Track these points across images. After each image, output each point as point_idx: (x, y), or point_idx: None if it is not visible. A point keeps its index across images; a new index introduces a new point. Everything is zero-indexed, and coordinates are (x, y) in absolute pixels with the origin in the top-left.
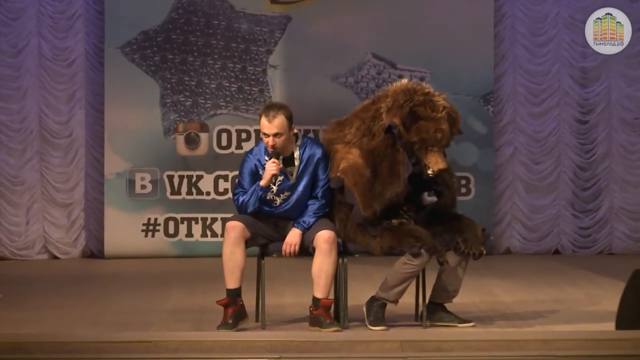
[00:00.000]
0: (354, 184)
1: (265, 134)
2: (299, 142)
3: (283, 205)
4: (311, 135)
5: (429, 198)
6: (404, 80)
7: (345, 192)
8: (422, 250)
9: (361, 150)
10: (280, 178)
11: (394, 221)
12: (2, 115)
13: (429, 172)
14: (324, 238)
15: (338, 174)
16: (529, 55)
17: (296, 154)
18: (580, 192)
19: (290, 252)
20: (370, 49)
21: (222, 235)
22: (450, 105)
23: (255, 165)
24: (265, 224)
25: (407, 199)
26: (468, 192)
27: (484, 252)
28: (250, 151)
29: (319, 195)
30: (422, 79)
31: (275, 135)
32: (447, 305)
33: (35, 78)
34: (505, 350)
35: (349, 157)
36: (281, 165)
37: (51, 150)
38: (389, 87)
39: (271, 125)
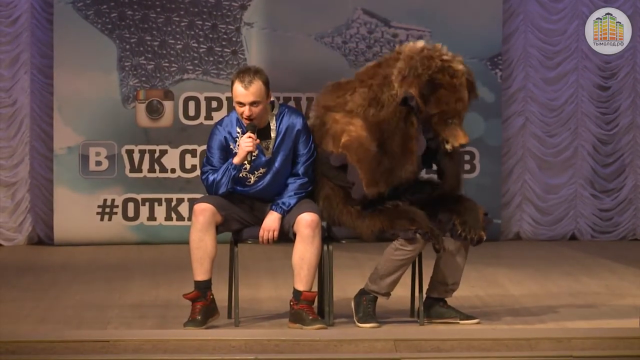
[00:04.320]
0: (358, 160)
1: (239, 102)
2: (275, 112)
3: (258, 183)
4: (292, 104)
5: (426, 175)
6: (419, 43)
7: (348, 171)
8: (417, 235)
9: (366, 121)
10: (255, 153)
11: (389, 203)
12: None
13: (448, 147)
14: (306, 222)
15: (340, 150)
16: (542, 11)
17: (272, 125)
18: (600, 168)
19: (267, 239)
20: (360, 4)
21: (190, 219)
22: (469, 70)
23: (225, 138)
24: (239, 206)
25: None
26: (472, 169)
27: (484, 238)
28: (220, 122)
29: (300, 172)
30: (420, 39)
31: (252, 104)
32: (448, 299)
33: None
34: (513, 350)
35: (350, 130)
36: (258, 141)
37: None
38: (399, 48)
39: (247, 93)
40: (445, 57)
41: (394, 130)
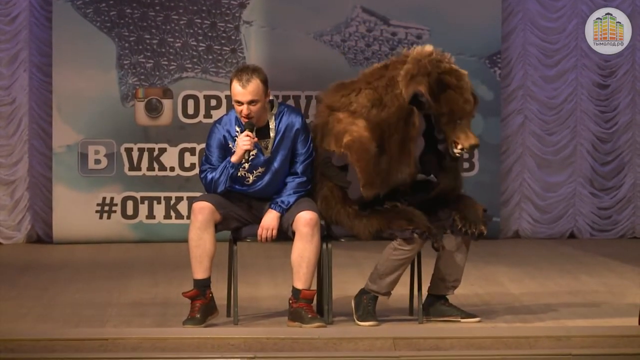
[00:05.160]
0: (357, 159)
1: (238, 101)
2: (274, 111)
3: (257, 183)
4: (291, 102)
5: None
6: (428, 47)
7: (349, 170)
8: (415, 235)
9: (368, 122)
10: (254, 152)
11: (387, 203)
12: None
13: (457, 149)
14: (305, 220)
15: (342, 150)
16: (541, 9)
17: (271, 125)
18: (599, 167)
19: (266, 237)
20: (360, 2)
21: (189, 218)
22: (466, 73)
23: (224, 137)
24: (238, 204)
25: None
26: (471, 168)
27: (485, 232)
28: (219, 121)
29: (299, 171)
30: (419, 37)
31: (250, 102)
32: (449, 298)
33: None
34: (512, 349)
35: (352, 130)
36: (255, 139)
37: None
38: (407, 51)
39: (245, 92)
40: (451, 62)
41: (394, 130)
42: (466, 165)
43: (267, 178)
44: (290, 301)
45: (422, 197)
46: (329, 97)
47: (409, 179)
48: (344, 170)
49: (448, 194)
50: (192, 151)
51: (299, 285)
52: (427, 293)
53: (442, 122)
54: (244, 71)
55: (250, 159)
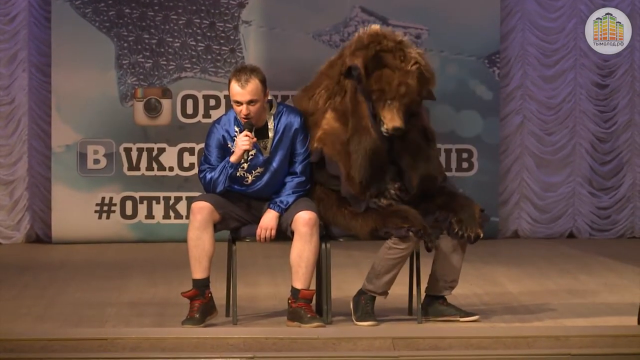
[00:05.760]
0: (332, 151)
1: (237, 101)
2: (273, 111)
3: (256, 183)
4: (290, 102)
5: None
6: (375, 26)
7: (327, 163)
8: (410, 233)
9: (335, 112)
10: (252, 152)
11: (383, 201)
12: None
13: (384, 129)
14: (303, 220)
15: (315, 145)
16: (540, 9)
17: (270, 125)
18: (598, 167)
19: (265, 237)
20: (359, 2)
21: (188, 217)
22: (426, 64)
23: (223, 136)
24: (237, 204)
25: (395, 178)
26: (470, 167)
27: (481, 235)
28: (218, 121)
29: (298, 170)
30: (418, 37)
31: (249, 102)
32: (447, 297)
33: None
34: (511, 348)
35: (322, 124)
36: (254, 139)
37: None
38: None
39: (244, 92)
40: (399, 40)
41: (352, 112)
42: (465, 165)
43: (266, 178)
44: (289, 301)
45: (413, 195)
46: (299, 104)
47: (377, 154)
48: (322, 165)
49: (434, 187)
50: (191, 151)
51: (298, 285)
52: (424, 293)
53: (373, 98)
54: (243, 71)
55: (249, 159)
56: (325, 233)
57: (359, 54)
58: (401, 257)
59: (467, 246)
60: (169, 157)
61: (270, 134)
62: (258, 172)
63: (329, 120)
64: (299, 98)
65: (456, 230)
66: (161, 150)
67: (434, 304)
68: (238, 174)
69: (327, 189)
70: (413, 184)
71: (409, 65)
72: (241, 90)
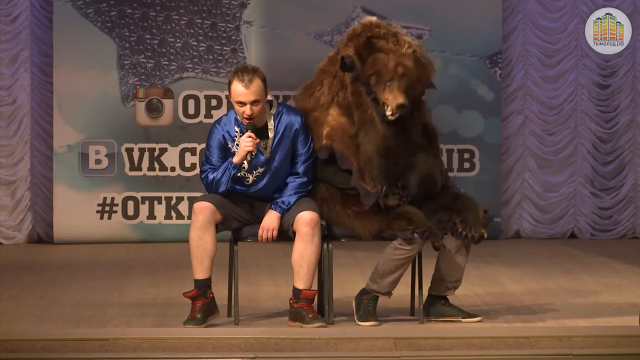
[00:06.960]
0: (342, 146)
1: (240, 102)
2: (273, 111)
3: (257, 183)
4: (291, 102)
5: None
6: (370, 18)
7: (338, 159)
8: (415, 235)
9: (340, 107)
10: (254, 152)
11: (391, 201)
12: None
13: (389, 113)
14: (305, 220)
15: (324, 142)
16: (542, 9)
17: (270, 125)
18: (600, 167)
19: (267, 238)
20: (360, 2)
21: (189, 218)
22: (421, 50)
23: (224, 137)
24: (239, 204)
25: (401, 176)
26: (472, 168)
27: (485, 235)
28: (218, 121)
29: (300, 171)
30: (419, 37)
31: (253, 103)
32: (450, 298)
33: None
34: (513, 349)
35: (329, 120)
36: (257, 140)
37: None
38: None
39: (248, 92)
40: (393, 30)
41: (356, 105)
42: (467, 165)
43: (267, 178)
44: (291, 301)
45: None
46: (300, 102)
47: (386, 151)
48: (329, 164)
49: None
50: (192, 151)
51: (300, 285)
52: (427, 293)
53: (371, 83)
54: (245, 72)
55: (250, 159)
56: (327, 233)
57: (350, 44)
58: (407, 257)
59: (470, 246)
60: (171, 158)
61: (271, 134)
62: (259, 172)
63: (334, 116)
64: (300, 96)
65: (460, 230)
66: (163, 151)
67: (436, 304)
68: (239, 174)
69: (332, 188)
70: (412, 184)
71: (403, 48)
72: (245, 91)
